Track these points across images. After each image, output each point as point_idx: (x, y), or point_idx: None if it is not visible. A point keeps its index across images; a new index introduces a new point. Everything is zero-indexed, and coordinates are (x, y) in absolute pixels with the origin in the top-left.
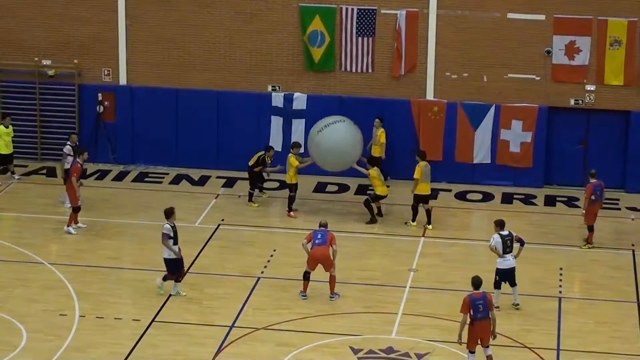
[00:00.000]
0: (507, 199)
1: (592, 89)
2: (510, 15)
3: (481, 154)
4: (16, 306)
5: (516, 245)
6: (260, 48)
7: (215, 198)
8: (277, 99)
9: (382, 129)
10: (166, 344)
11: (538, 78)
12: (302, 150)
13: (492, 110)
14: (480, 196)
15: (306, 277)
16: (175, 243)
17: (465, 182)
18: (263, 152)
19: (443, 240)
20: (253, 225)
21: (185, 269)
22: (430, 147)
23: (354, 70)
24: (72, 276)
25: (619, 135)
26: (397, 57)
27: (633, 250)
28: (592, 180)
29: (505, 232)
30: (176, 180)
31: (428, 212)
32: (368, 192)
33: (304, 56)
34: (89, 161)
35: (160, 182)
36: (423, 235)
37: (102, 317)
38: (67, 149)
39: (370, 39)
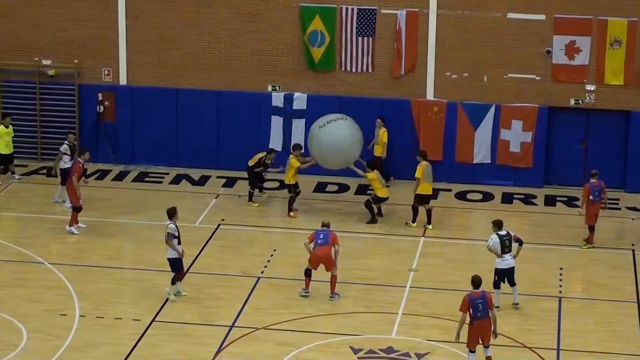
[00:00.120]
0: (507, 199)
1: (592, 88)
2: (510, 15)
3: (481, 154)
4: (16, 306)
5: (515, 245)
6: (260, 48)
7: (216, 198)
8: (277, 99)
9: (384, 129)
10: (166, 344)
11: (538, 78)
12: (302, 150)
13: (492, 110)
14: (480, 196)
15: (307, 274)
16: (179, 243)
17: (465, 182)
18: (264, 153)
19: (443, 240)
20: (253, 225)
21: (185, 269)
22: (431, 147)
23: (354, 70)
24: (72, 276)
25: (619, 135)
26: (397, 57)
27: (633, 250)
28: (592, 180)
29: (503, 232)
30: (176, 180)
31: (428, 212)
32: (368, 192)
33: (304, 56)
34: (90, 161)
35: (161, 182)
36: (423, 235)
37: (102, 317)
38: (64, 148)
39: (370, 39)
